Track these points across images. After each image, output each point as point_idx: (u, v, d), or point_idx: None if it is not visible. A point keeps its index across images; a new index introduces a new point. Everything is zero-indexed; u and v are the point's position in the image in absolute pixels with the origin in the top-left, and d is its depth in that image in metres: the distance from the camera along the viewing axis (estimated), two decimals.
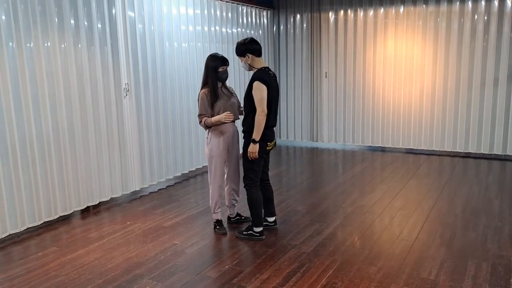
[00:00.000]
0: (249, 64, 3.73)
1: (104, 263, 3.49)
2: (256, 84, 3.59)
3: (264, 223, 4.04)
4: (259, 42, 3.74)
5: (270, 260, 3.50)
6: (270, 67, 5.84)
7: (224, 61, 3.87)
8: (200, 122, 3.91)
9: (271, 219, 4.14)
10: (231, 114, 3.84)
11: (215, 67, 3.83)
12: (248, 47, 3.68)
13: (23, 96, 3.96)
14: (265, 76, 3.63)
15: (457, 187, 5.36)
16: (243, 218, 4.32)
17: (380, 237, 3.93)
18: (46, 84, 4.15)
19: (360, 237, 3.92)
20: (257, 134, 3.64)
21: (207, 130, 3.95)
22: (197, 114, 3.94)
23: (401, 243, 3.76)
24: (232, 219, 4.30)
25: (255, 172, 3.82)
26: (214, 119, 3.83)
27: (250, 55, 3.68)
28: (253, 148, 3.67)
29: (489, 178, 5.74)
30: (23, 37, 3.92)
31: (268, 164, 4.05)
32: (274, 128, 3.87)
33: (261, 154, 3.76)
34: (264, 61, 3.75)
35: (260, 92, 3.58)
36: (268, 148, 3.81)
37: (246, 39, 3.74)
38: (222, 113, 3.84)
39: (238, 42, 3.78)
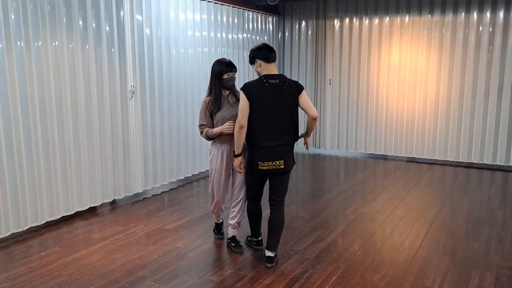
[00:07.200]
0: (257, 71, 3.42)
1: (107, 264, 3.48)
2: (240, 93, 3.34)
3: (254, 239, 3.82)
4: (272, 48, 3.43)
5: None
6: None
7: (229, 67, 3.55)
8: (201, 133, 3.62)
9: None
10: (233, 124, 3.42)
11: (219, 73, 3.54)
12: (255, 54, 3.39)
13: (29, 94, 3.97)
14: (252, 85, 3.32)
15: (460, 197, 5.35)
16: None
17: (384, 245, 3.91)
18: (52, 83, 4.16)
19: (363, 245, 3.91)
20: (235, 147, 3.38)
21: (210, 141, 3.70)
22: (198, 125, 3.67)
23: (405, 252, 3.75)
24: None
25: (248, 186, 3.61)
26: (216, 130, 3.52)
27: (259, 61, 3.36)
28: (235, 162, 3.44)
29: (491, 189, 5.73)
30: (31, 36, 3.94)
31: (277, 188, 3.46)
32: (278, 147, 3.31)
33: (254, 171, 3.42)
34: (276, 68, 3.43)
35: (240, 101, 3.31)
36: (261, 168, 3.33)
37: (258, 45, 3.45)
38: (220, 124, 3.53)
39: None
